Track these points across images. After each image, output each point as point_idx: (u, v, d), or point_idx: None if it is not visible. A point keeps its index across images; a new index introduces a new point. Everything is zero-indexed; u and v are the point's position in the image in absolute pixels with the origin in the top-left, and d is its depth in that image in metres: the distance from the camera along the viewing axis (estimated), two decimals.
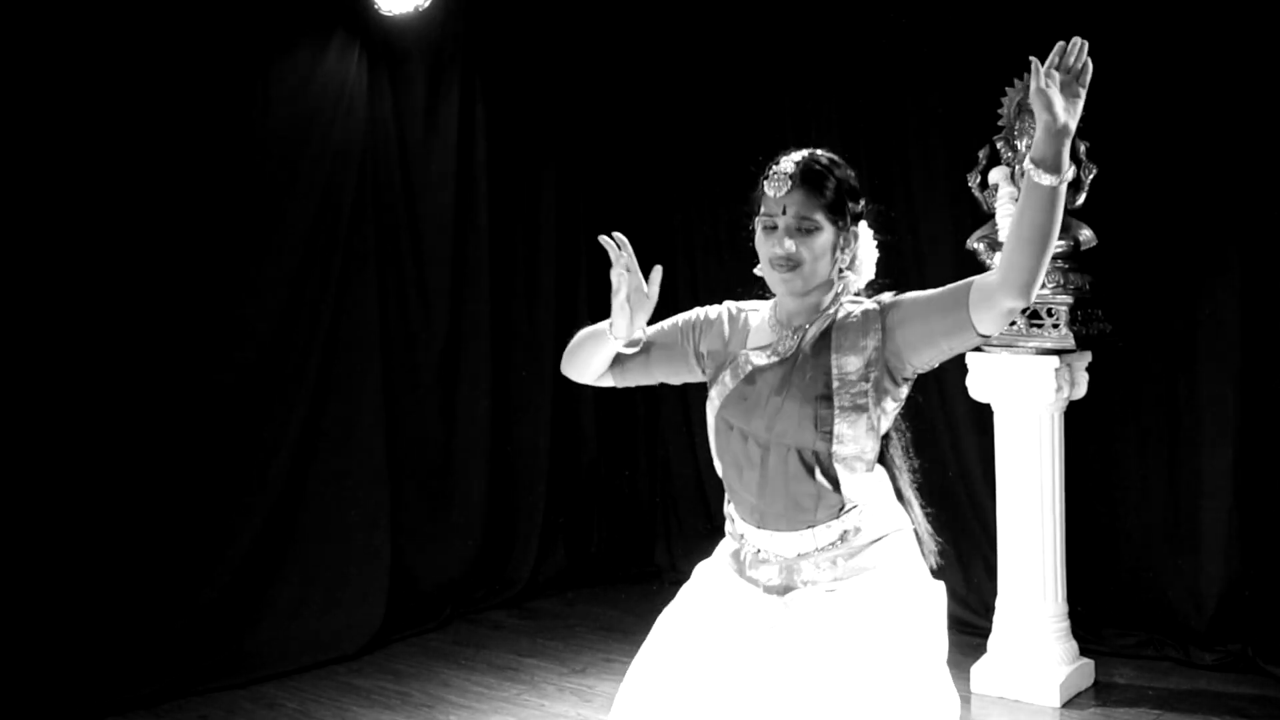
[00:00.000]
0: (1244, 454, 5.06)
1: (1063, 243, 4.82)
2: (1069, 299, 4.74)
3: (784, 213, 2.55)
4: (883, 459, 2.69)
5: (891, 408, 2.60)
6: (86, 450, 4.92)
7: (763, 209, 2.60)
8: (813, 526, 2.59)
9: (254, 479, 5.42)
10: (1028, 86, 4.86)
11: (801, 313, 2.64)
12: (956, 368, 5.21)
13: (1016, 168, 4.90)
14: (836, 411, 2.53)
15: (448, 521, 6.22)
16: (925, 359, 2.53)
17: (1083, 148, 4.89)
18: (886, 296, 2.60)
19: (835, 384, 2.54)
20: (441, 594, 6.11)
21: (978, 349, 4.91)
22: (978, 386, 4.95)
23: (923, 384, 5.82)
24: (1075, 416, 5.10)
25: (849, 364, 2.54)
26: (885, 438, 2.66)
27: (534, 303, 6.54)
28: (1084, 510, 5.40)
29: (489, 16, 6.25)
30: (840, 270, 2.62)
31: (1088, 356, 4.93)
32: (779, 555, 2.62)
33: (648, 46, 6.74)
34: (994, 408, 4.96)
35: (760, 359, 2.65)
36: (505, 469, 6.45)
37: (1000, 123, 5.04)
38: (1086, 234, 4.87)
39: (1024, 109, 4.92)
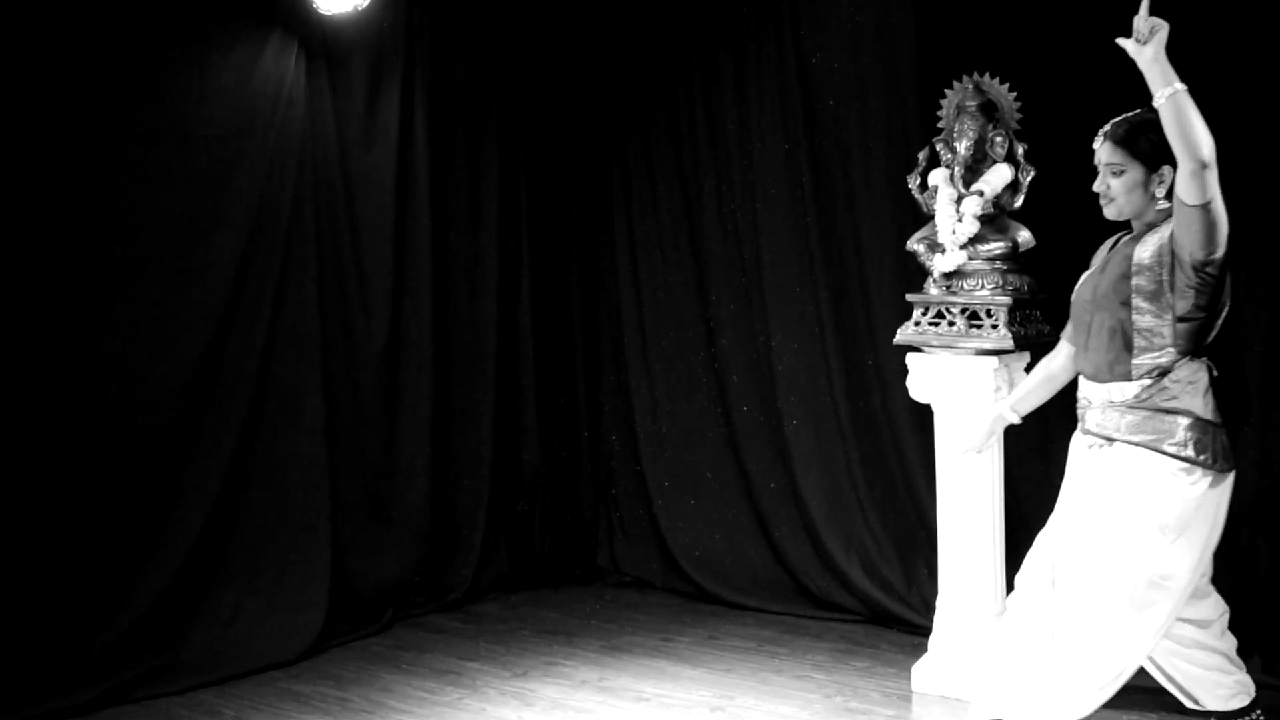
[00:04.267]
0: None
1: (1001, 244, 4.86)
2: (1008, 300, 4.78)
3: (1100, 162, 3.44)
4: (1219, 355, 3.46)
5: (1187, 292, 3.35)
6: (17, 452, 4.85)
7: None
8: (1108, 383, 3.53)
9: (190, 482, 5.35)
10: (966, 89, 4.96)
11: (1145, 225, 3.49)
12: (897, 368, 5.24)
13: (955, 170, 4.93)
14: (1133, 289, 3.37)
15: (389, 525, 6.18)
16: (1186, 243, 3.28)
17: (1020, 150, 4.93)
18: None
19: (1134, 268, 3.37)
20: (383, 598, 6.06)
21: (918, 350, 4.95)
22: (917, 387, 4.98)
23: (865, 383, 5.89)
24: None
25: (1144, 254, 3.38)
26: (1220, 336, 3.45)
27: (476, 304, 6.51)
28: (1023, 509, 5.45)
29: (429, 16, 6.22)
30: (1156, 199, 3.39)
31: (1026, 357, 4.97)
32: (1087, 399, 3.64)
33: (591, 46, 6.73)
34: (934, 408, 4.99)
35: (1102, 256, 3.63)
36: (447, 472, 6.41)
37: (939, 125, 5.08)
38: (1025, 235, 4.91)
39: (962, 111, 4.95)
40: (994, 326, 4.78)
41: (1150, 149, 3.27)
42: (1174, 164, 3.25)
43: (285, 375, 5.66)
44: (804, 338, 6.05)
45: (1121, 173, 3.34)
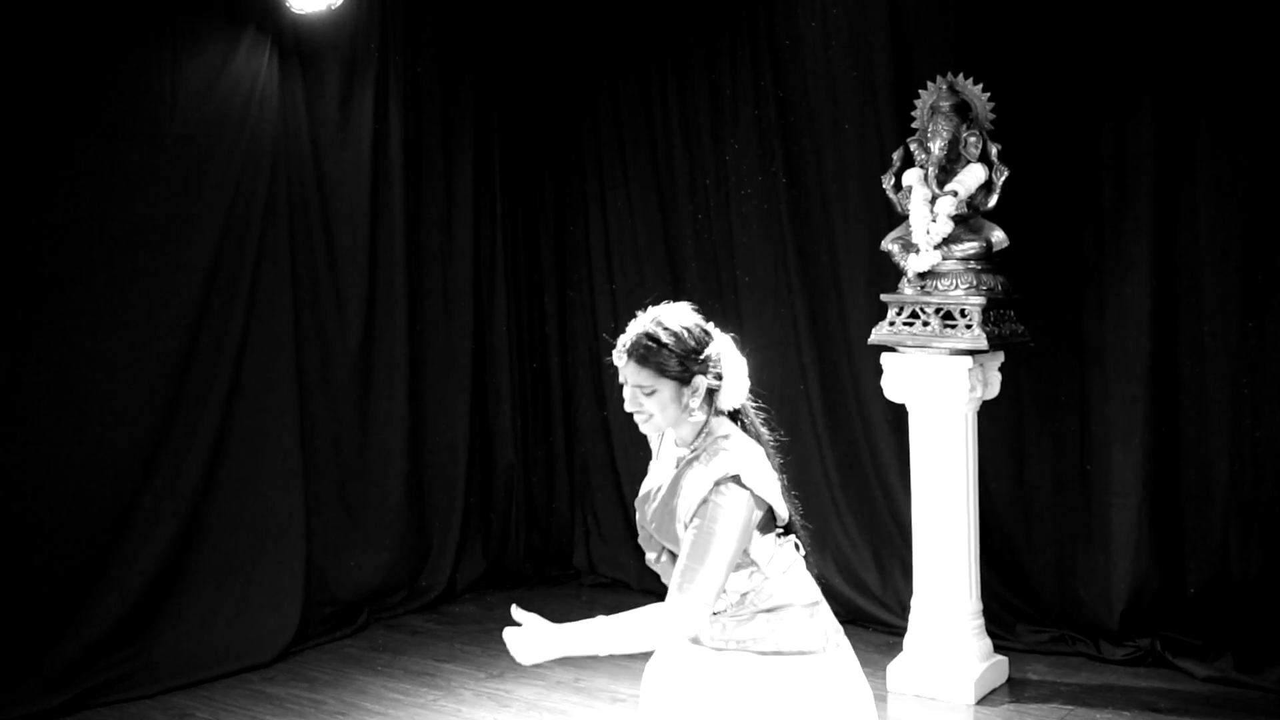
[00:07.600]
0: (1153, 452, 5.14)
1: (975, 244, 4.87)
2: (982, 300, 4.79)
3: (627, 381, 3.08)
4: None
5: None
6: None
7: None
8: None
9: (163, 484, 5.31)
10: (940, 89, 4.98)
11: (684, 439, 3.13)
12: (871, 369, 5.25)
13: (929, 170, 4.94)
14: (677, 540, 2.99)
15: (364, 525, 6.15)
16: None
17: (994, 150, 4.94)
18: (717, 490, 2.93)
19: (674, 519, 3.00)
20: (358, 599, 6.04)
21: (893, 350, 4.95)
22: (893, 387, 4.99)
23: (840, 383, 5.88)
24: (988, 416, 5.15)
25: (678, 511, 2.99)
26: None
27: (451, 303, 6.49)
28: (997, 509, 5.46)
29: (402, 14, 6.19)
30: (692, 409, 3.06)
31: (1000, 357, 4.99)
32: None
33: (564, 41, 6.71)
34: (909, 408, 4.99)
35: (656, 486, 3.15)
36: (422, 472, 6.39)
37: (914, 125, 5.09)
38: (999, 235, 4.92)
39: (936, 111, 4.96)
40: (968, 326, 4.79)
41: (679, 366, 3.09)
42: (704, 374, 3.10)
43: (258, 376, 5.63)
44: (778, 338, 6.05)
45: (653, 392, 3.11)
